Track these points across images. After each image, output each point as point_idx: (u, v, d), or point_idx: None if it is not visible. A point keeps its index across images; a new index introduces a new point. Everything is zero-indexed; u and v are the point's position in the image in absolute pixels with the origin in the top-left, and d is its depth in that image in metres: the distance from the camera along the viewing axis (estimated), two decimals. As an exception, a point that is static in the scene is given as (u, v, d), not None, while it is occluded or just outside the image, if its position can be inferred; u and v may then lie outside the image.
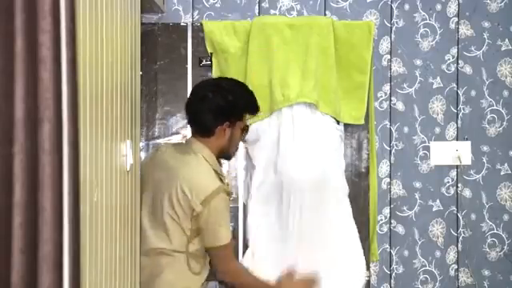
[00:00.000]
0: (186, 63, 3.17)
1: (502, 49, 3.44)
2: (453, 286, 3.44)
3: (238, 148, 2.78)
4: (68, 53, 1.46)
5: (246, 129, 2.68)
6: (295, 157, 3.05)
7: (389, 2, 3.40)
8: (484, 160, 3.45)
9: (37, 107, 1.39)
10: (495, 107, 3.45)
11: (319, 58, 3.12)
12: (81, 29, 1.68)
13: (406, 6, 3.41)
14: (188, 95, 2.76)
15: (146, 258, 2.53)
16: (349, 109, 3.18)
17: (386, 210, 3.42)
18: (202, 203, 2.45)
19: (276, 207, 3.08)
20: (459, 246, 3.44)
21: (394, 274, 3.43)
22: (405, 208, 3.43)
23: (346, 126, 3.20)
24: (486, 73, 3.44)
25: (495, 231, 3.46)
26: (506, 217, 3.46)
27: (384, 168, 3.41)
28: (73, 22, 1.48)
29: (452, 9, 3.43)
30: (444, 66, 3.43)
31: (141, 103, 2.69)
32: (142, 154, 3.04)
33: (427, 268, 3.43)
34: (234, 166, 3.19)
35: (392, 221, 3.42)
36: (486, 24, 3.43)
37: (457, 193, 3.44)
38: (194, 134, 2.64)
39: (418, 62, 3.42)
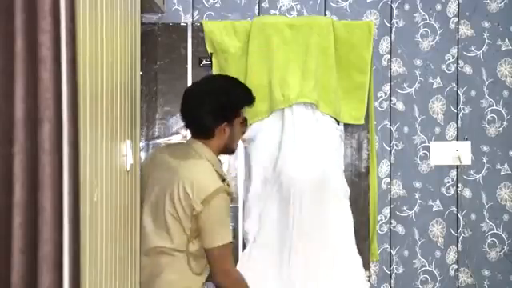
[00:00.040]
0: (186, 63, 3.17)
1: (502, 49, 3.44)
2: (453, 286, 3.44)
3: (239, 142, 2.77)
4: (68, 53, 1.46)
5: (244, 122, 2.68)
6: (295, 157, 3.05)
7: (389, 2, 3.40)
8: (484, 160, 3.45)
9: (37, 107, 1.39)
10: (495, 107, 3.45)
11: (319, 58, 3.12)
12: (81, 29, 1.68)
13: (406, 6, 3.41)
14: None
15: (147, 258, 2.53)
16: (349, 109, 3.18)
17: (386, 210, 3.42)
18: (203, 202, 2.45)
19: (276, 207, 3.08)
20: (459, 245, 3.44)
21: (393, 274, 3.43)
22: (405, 208, 3.43)
23: (346, 126, 3.21)
24: (486, 73, 3.44)
25: (495, 231, 3.46)
26: (505, 217, 3.46)
27: (384, 168, 3.41)
28: (73, 22, 1.48)
29: (452, 9, 3.43)
30: (444, 66, 3.43)
31: (141, 103, 2.69)
32: (142, 154, 3.05)
33: (427, 268, 3.43)
34: (234, 166, 3.19)
35: (392, 221, 3.42)
36: (486, 24, 3.43)
37: (457, 193, 3.44)
38: (194, 135, 2.64)
39: (418, 62, 3.42)
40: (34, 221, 1.38)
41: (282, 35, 3.12)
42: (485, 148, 3.45)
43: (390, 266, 3.42)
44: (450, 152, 3.43)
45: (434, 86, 3.42)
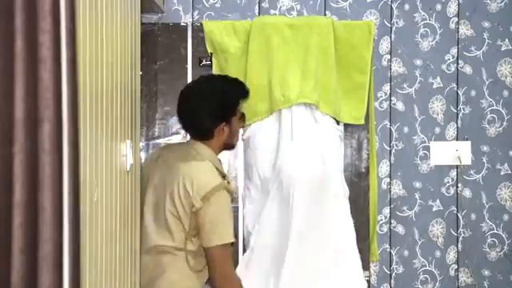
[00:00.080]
0: (186, 63, 3.17)
1: (502, 49, 3.44)
2: (453, 285, 3.44)
3: (239, 136, 2.81)
4: (68, 53, 1.46)
5: (242, 117, 2.71)
6: (295, 157, 3.04)
7: (389, 2, 3.40)
8: (484, 160, 3.45)
9: (37, 107, 1.39)
10: (495, 107, 3.45)
11: (319, 58, 3.12)
12: (81, 29, 1.68)
13: (406, 6, 3.41)
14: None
15: (148, 257, 2.54)
16: (349, 109, 3.18)
17: (386, 210, 3.42)
18: (202, 199, 2.45)
19: (275, 207, 3.07)
20: (459, 245, 3.44)
21: (394, 274, 3.43)
22: (405, 208, 3.43)
23: (346, 126, 3.20)
24: (486, 73, 3.44)
25: (495, 231, 3.46)
26: (506, 217, 3.46)
27: (384, 168, 3.41)
28: (73, 22, 1.48)
29: (452, 9, 3.43)
30: (444, 66, 3.43)
31: (141, 103, 2.69)
32: (142, 154, 3.05)
33: (427, 268, 3.43)
34: (234, 166, 3.19)
35: (392, 221, 3.42)
36: (486, 24, 3.43)
37: (457, 193, 3.44)
38: (193, 137, 2.65)
39: (418, 62, 3.42)
40: (34, 221, 1.38)
41: (281, 35, 3.12)
42: (485, 148, 3.45)
43: (390, 266, 3.42)
44: (450, 152, 3.43)
45: (434, 86, 3.42)
